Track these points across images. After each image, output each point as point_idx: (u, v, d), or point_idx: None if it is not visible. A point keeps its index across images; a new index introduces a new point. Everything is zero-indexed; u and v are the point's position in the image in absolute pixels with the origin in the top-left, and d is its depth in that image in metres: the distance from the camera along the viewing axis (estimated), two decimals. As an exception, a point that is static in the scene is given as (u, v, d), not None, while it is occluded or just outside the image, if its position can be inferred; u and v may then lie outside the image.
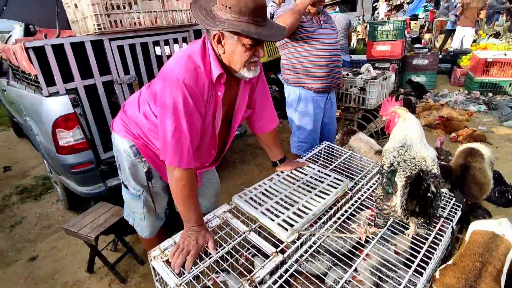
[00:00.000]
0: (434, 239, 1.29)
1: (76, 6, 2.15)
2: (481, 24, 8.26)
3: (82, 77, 2.11)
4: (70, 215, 2.76)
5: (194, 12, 1.15)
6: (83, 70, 2.12)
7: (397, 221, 1.36)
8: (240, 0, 1.08)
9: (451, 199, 1.53)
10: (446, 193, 1.57)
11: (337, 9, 4.23)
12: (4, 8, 2.69)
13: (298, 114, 2.34)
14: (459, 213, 1.46)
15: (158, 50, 2.49)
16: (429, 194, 0.96)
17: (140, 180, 1.53)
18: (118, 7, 2.09)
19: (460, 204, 1.50)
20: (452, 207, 1.49)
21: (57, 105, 1.98)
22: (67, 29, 2.58)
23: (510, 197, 2.51)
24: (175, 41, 2.48)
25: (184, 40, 2.52)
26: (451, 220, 1.41)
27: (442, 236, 1.31)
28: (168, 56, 2.44)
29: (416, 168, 1.08)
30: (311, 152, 1.95)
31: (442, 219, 1.40)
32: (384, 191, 1.19)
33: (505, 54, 5.20)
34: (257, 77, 1.47)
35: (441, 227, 1.35)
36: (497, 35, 8.49)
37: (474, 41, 7.14)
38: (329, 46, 2.20)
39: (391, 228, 1.39)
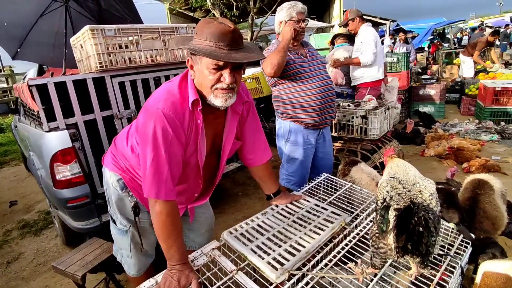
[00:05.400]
0: (440, 281, 1.16)
1: (82, 46, 2.27)
2: (488, 54, 8.28)
3: (83, 112, 2.16)
4: (67, 251, 2.70)
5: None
6: (85, 106, 2.18)
7: (401, 261, 1.25)
8: (205, 25, 1.12)
9: (460, 235, 1.40)
10: (453, 228, 1.46)
11: (347, 42, 4.23)
12: (18, 50, 2.89)
13: (288, 147, 2.31)
14: (468, 250, 1.33)
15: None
16: (420, 229, 0.87)
17: (127, 214, 1.49)
18: (121, 47, 2.19)
19: (469, 241, 1.37)
20: (460, 244, 1.36)
21: (56, 140, 2.01)
22: (75, 68, 2.70)
23: (532, 232, 2.30)
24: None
25: (185, 75, 2.59)
26: (460, 259, 1.28)
27: (450, 277, 1.18)
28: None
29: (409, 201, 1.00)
30: (309, 184, 1.88)
31: (449, 258, 1.27)
32: (378, 228, 1.10)
33: (514, 83, 5.12)
34: (247, 110, 1.46)
35: (447, 267, 1.23)
36: (507, 64, 8.46)
37: (483, 70, 7.12)
38: (318, 79, 2.19)
39: (393, 269, 1.27)
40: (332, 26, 11.14)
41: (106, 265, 1.89)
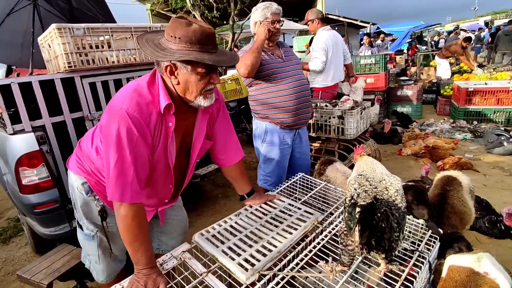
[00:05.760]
0: (408, 276, 1.17)
1: (49, 46, 2.19)
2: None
3: (52, 114, 2.08)
4: (37, 259, 2.59)
5: (143, 46, 1.15)
6: (54, 107, 2.10)
7: (370, 257, 1.26)
8: (188, 29, 1.09)
9: (429, 231, 1.43)
10: (422, 224, 1.48)
11: None
12: (-16, 50, 2.76)
13: (265, 147, 2.31)
14: (437, 245, 1.36)
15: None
16: (383, 225, 0.88)
17: (94, 219, 1.44)
18: (91, 47, 2.13)
19: (437, 236, 1.40)
20: (428, 240, 1.38)
21: (22, 143, 1.93)
22: (45, 69, 2.61)
23: (502, 227, 2.37)
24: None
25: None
26: (428, 254, 1.30)
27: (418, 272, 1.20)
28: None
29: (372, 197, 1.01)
30: (284, 184, 1.88)
31: (417, 253, 1.29)
32: (347, 226, 1.11)
33: (485, 84, 5.32)
34: (218, 109, 1.45)
35: (416, 262, 1.25)
36: (481, 66, 8.83)
37: (458, 72, 7.39)
38: (293, 79, 2.19)
39: (365, 266, 1.28)
40: (314, 29, 11.27)
41: (76, 272, 1.82)
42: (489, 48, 12.12)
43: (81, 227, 1.49)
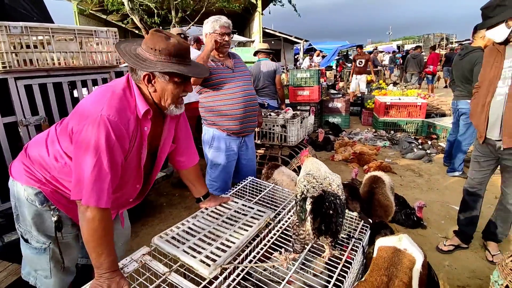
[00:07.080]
0: (348, 259, 1.38)
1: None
2: (380, 74, 9.91)
3: (-23, 118, 1.88)
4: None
5: (123, 56, 1.18)
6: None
7: (315, 245, 1.45)
8: (168, 43, 1.18)
9: (361, 221, 1.69)
10: (356, 216, 1.74)
11: (267, 57, 4.49)
12: None
13: (212, 152, 2.40)
14: (368, 233, 1.62)
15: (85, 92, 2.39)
16: (330, 212, 1.07)
17: (46, 230, 1.36)
18: (28, 46, 1.99)
19: (368, 225, 1.66)
20: (361, 228, 1.64)
21: None
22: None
23: (415, 218, 2.84)
24: (95, 82, 2.41)
25: (105, 81, 2.46)
26: (361, 240, 1.55)
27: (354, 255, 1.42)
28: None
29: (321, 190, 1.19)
30: (236, 187, 2.00)
31: (353, 240, 1.53)
32: (298, 217, 1.27)
33: (399, 99, 6.23)
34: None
35: (353, 247, 1.48)
36: (395, 84, 10.23)
37: (378, 87, 8.48)
38: (241, 89, 2.33)
39: (311, 254, 1.46)
40: (253, 41, 11.77)
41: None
42: (400, 68, 14.07)
43: (26, 241, 1.38)
